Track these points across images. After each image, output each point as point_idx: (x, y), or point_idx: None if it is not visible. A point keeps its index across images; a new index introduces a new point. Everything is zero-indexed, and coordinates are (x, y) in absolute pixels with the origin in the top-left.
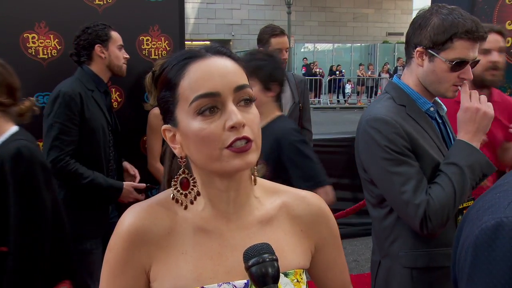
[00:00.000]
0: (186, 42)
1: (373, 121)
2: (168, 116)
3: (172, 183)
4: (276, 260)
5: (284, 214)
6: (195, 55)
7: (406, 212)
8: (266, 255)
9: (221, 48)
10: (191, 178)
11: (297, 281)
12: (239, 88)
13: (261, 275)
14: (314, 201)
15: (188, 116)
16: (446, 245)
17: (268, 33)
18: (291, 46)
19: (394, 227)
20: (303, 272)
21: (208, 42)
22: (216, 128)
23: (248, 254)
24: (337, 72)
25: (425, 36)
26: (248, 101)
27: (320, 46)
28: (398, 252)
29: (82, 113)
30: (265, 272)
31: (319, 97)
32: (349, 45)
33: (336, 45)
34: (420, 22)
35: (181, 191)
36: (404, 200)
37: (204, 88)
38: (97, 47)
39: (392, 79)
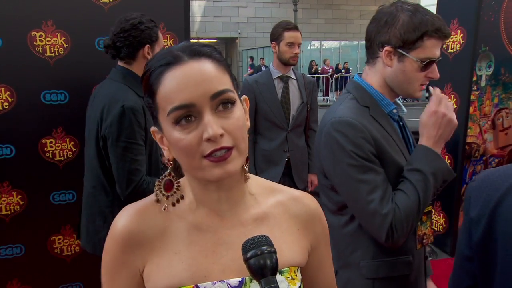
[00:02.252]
0: (192, 40)
1: (338, 123)
2: (154, 120)
3: (156, 183)
4: (275, 252)
5: (280, 212)
6: (170, 62)
7: (372, 222)
8: (265, 247)
9: (198, 48)
10: (175, 182)
11: (292, 278)
12: (216, 95)
13: (259, 267)
14: (309, 201)
15: (168, 125)
16: (406, 252)
17: (281, 27)
18: None
19: (354, 236)
20: (297, 270)
21: (214, 40)
22: (193, 138)
23: (247, 246)
24: (343, 70)
25: (394, 35)
26: (229, 104)
27: (327, 44)
28: (359, 262)
29: (145, 126)
30: (264, 264)
31: (327, 95)
32: (356, 42)
33: (343, 42)
34: (386, 19)
35: (163, 192)
36: (371, 210)
37: (178, 100)
38: (147, 48)
39: (353, 77)
